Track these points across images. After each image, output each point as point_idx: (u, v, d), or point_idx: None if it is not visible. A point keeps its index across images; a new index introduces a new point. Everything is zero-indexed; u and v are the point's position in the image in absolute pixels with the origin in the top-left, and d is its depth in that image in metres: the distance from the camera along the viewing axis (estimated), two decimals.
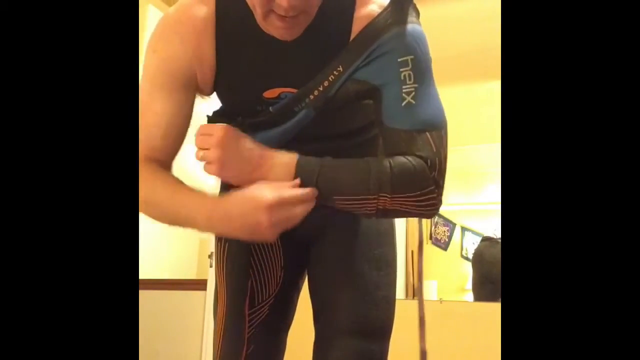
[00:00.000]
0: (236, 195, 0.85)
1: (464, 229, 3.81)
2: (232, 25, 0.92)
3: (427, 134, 0.88)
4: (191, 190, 0.89)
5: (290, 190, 0.84)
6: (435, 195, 0.87)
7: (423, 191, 0.85)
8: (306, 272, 1.10)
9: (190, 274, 5.46)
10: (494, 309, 2.59)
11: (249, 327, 1.03)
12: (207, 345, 3.19)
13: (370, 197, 0.85)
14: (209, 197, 0.88)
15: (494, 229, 3.25)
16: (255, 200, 0.82)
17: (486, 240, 3.15)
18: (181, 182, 0.92)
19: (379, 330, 1.01)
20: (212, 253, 3.20)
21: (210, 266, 3.19)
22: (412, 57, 0.89)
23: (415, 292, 3.26)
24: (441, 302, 2.83)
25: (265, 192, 0.83)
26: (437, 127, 0.89)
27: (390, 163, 0.86)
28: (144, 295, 3.21)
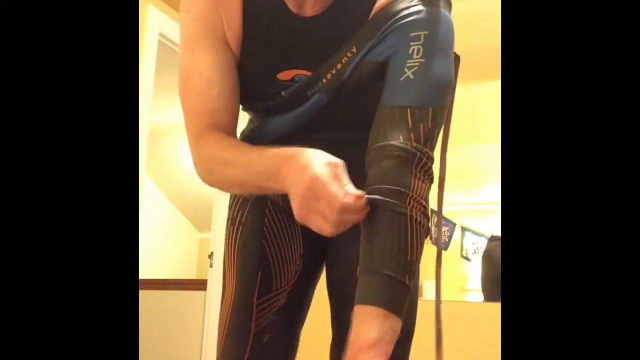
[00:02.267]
0: (319, 179, 0.75)
1: (464, 229, 3.80)
2: None
3: (409, 110, 0.83)
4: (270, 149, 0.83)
5: (358, 196, 0.76)
6: (426, 168, 0.82)
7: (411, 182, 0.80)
8: (324, 268, 1.07)
9: (190, 274, 5.46)
10: (494, 308, 2.59)
11: (262, 316, 0.99)
12: (207, 345, 3.19)
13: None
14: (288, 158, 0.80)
15: (495, 229, 3.25)
16: (332, 197, 0.74)
17: (495, 239, 3.14)
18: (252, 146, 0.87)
19: (403, 334, 0.93)
20: (212, 253, 3.20)
21: (210, 266, 3.19)
22: (426, 32, 0.84)
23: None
24: (441, 302, 2.83)
25: (342, 191, 0.75)
26: (424, 105, 0.83)
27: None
28: (144, 295, 3.21)
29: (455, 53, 0.97)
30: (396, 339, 0.77)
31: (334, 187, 0.74)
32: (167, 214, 5.18)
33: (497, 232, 3.14)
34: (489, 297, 3.11)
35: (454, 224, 3.78)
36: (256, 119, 1.02)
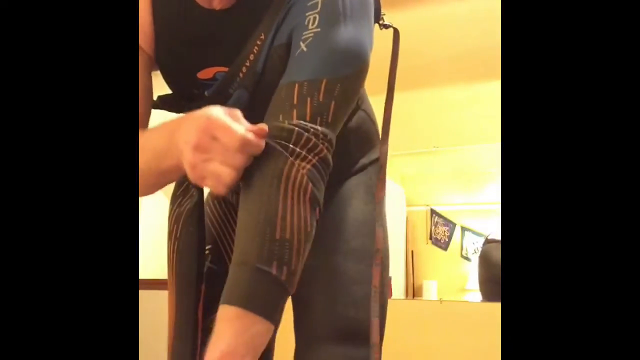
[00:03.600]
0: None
1: (464, 229, 3.81)
2: None
3: (296, 85, 0.74)
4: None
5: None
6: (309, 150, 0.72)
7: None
8: None
9: None
10: (494, 308, 2.59)
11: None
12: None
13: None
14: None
15: (491, 230, 3.25)
16: (232, 132, 0.67)
17: (491, 242, 3.15)
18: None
19: (363, 332, 0.86)
20: None
21: None
22: None
23: (415, 292, 3.26)
24: (441, 302, 2.83)
25: (242, 127, 0.68)
26: (315, 77, 0.74)
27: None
28: (144, 295, 3.20)
29: (394, 27, 0.92)
30: (262, 344, 0.65)
31: (233, 125, 0.67)
32: (167, 214, 5.17)
33: (493, 235, 3.15)
34: (487, 298, 3.12)
35: (454, 224, 3.79)
36: None
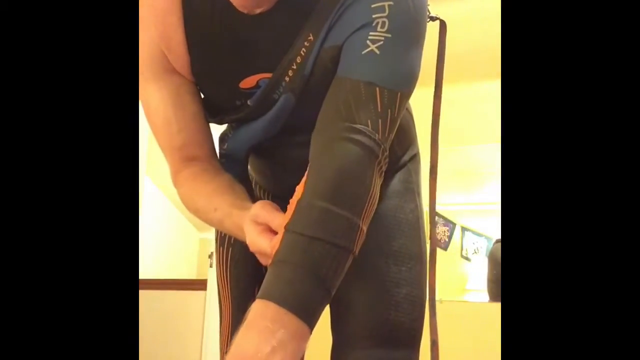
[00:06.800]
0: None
1: (464, 229, 3.81)
2: (200, 1, 0.78)
3: (378, 89, 0.72)
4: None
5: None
6: (382, 164, 0.74)
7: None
8: None
9: (190, 274, 5.46)
10: (494, 309, 2.59)
11: None
12: (207, 345, 3.19)
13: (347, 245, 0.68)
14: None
15: (499, 231, 3.26)
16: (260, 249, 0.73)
17: (500, 242, 3.15)
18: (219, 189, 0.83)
19: (403, 335, 0.86)
20: (212, 253, 3.20)
21: (210, 266, 3.19)
22: (390, 3, 0.73)
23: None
24: (441, 302, 2.83)
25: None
26: (393, 87, 0.73)
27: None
28: (144, 295, 3.21)
29: (440, 19, 0.90)
30: (297, 349, 0.62)
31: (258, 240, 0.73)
32: (167, 214, 5.18)
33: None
34: (494, 297, 3.12)
35: (454, 224, 3.78)
36: (230, 129, 0.95)
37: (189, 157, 0.84)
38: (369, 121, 0.72)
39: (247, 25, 0.77)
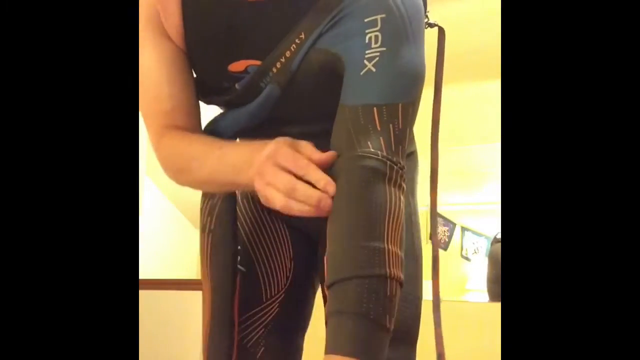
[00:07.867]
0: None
1: (464, 229, 3.81)
2: None
3: (375, 109, 0.73)
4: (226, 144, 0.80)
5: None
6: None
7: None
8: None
9: (190, 274, 5.45)
10: (494, 308, 2.59)
11: (252, 330, 0.91)
12: None
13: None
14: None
15: (499, 230, 3.26)
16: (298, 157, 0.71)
17: (499, 241, 3.15)
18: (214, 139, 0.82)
19: (400, 334, 0.85)
20: None
21: None
22: (382, 15, 0.74)
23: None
24: (441, 302, 2.83)
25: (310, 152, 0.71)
26: (392, 100, 0.74)
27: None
28: (144, 295, 3.20)
29: (439, 26, 0.91)
30: None
31: (301, 147, 0.72)
32: (167, 214, 5.17)
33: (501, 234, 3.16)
34: (494, 297, 3.12)
35: (454, 224, 3.79)
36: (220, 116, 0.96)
37: (174, 124, 0.84)
38: (369, 143, 0.72)
39: (243, 9, 0.78)
